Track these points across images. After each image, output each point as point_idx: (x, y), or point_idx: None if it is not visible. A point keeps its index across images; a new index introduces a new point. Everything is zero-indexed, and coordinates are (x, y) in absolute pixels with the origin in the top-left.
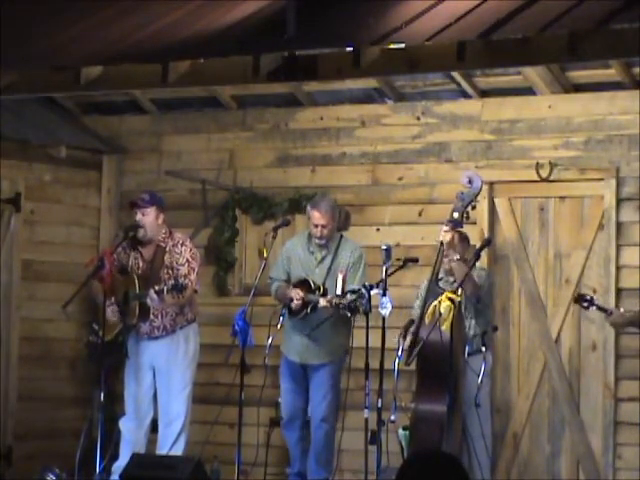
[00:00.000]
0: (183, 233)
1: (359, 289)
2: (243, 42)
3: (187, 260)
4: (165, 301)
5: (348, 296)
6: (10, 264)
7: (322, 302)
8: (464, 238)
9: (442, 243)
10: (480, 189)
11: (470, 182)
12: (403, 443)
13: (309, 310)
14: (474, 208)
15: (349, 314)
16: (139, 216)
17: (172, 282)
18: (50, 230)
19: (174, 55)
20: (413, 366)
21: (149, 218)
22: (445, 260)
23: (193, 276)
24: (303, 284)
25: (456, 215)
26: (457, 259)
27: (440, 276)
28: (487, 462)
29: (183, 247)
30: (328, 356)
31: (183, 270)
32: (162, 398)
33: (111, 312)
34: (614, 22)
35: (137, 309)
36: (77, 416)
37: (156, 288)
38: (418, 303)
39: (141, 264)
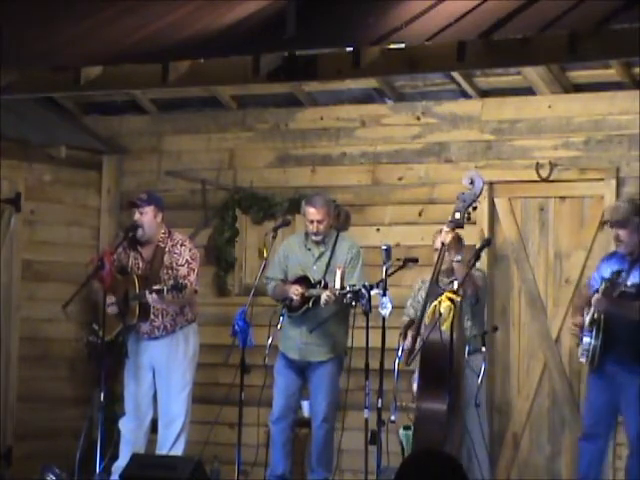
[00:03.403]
0: (183, 233)
1: (359, 289)
2: (243, 42)
3: (187, 261)
4: (165, 301)
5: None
6: (10, 264)
7: (325, 294)
8: (459, 239)
9: (442, 244)
10: (481, 190)
11: (472, 183)
12: (404, 443)
13: (310, 305)
14: (475, 209)
15: (354, 303)
16: (137, 215)
17: (172, 282)
18: (50, 230)
19: (174, 55)
20: (413, 366)
21: (147, 217)
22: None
23: (193, 276)
24: (302, 280)
25: (458, 216)
26: (458, 260)
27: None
28: (487, 462)
29: (182, 247)
30: (329, 353)
31: (183, 271)
32: (162, 398)
33: (111, 312)
34: (614, 22)
35: (137, 309)
36: (77, 416)
37: (155, 288)
38: (410, 302)
39: (141, 264)
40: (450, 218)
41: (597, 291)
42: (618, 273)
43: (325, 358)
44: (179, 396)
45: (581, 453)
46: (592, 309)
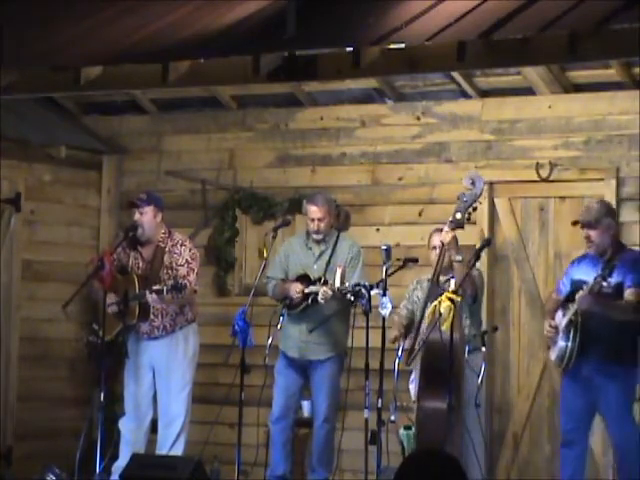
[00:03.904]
0: (183, 233)
1: (359, 288)
2: (243, 42)
3: (186, 261)
4: (165, 301)
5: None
6: (10, 264)
7: (322, 289)
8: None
9: (443, 243)
10: (482, 191)
11: (472, 183)
12: (404, 443)
13: (310, 302)
14: (475, 210)
15: (353, 299)
16: (137, 215)
17: (171, 282)
18: (50, 230)
19: (174, 55)
20: (412, 366)
21: (147, 217)
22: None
23: (192, 276)
24: (302, 279)
25: (459, 216)
26: (459, 260)
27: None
28: (483, 461)
29: (182, 247)
30: (329, 352)
31: (182, 271)
32: (162, 398)
33: (111, 312)
34: (614, 22)
35: (137, 309)
36: (77, 416)
37: (155, 288)
38: (404, 303)
39: (141, 264)
40: (451, 218)
41: (580, 289)
42: (609, 271)
43: (325, 357)
44: (179, 396)
45: (563, 460)
46: (572, 309)
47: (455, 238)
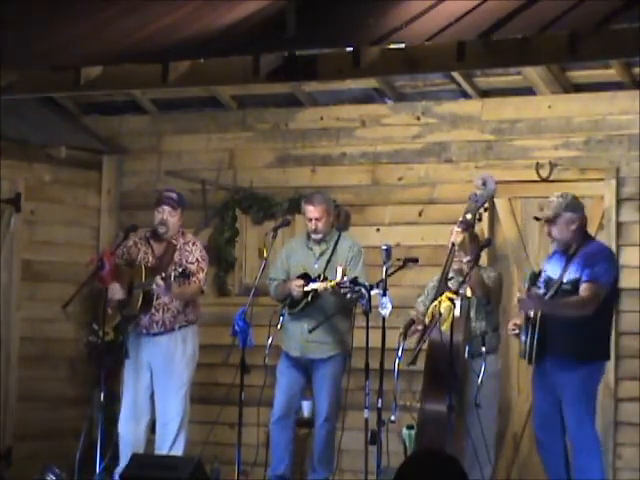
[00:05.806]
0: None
1: (358, 281)
2: (243, 42)
3: (197, 259)
4: (171, 289)
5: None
6: (10, 264)
7: (323, 285)
8: (474, 237)
9: (453, 244)
10: (494, 191)
11: (484, 184)
12: (407, 443)
13: (310, 299)
14: (486, 210)
15: (353, 296)
16: (165, 214)
17: (179, 270)
18: (50, 230)
19: (174, 55)
20: (413, 366)
21: (175, 219)
22: (455, 260)
23: (202, 275)
24: (303, 277)
25: (469, 216)
26: (468, 261)
27: (450, 275)
28: (488, 463)
29: (194, 247)
30: (332, 350)
31: (192, 268)
32: (159, 398)
33: (117, 300)
34: (614, 22)
35: (140, 299)
36: (77, 416)
37: (163, 275)
38: (422, 299)
39: (150, 259)
40: (461, 218)
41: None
42: (537, 275)
43: (327, 355)
44: (176, 396)
45: (544, 463)
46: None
47: (473, 238)
